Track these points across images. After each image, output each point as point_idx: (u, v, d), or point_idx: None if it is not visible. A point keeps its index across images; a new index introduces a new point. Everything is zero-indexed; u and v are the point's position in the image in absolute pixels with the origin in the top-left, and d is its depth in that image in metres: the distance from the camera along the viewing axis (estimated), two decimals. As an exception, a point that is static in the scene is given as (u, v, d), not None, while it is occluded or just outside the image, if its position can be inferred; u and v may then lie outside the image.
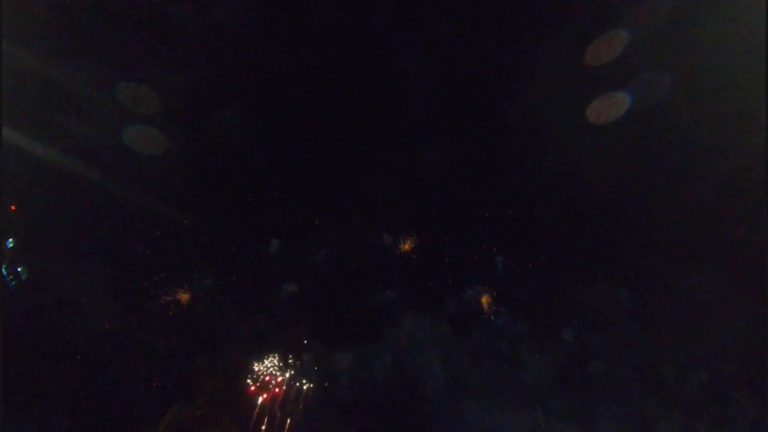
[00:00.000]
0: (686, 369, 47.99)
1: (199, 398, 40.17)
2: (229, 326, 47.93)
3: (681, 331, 48.46)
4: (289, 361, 48.06)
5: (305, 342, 49.62)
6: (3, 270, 42.23)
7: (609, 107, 45.82)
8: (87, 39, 41.77)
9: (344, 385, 48.72)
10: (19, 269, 43.62)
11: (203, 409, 39.55)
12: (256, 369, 46.12)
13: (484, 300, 52.32)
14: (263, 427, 43.48)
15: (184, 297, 45.31)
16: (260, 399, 44.76)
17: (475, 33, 49.46)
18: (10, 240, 42.89)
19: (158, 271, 47.61)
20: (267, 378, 46.24)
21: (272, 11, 47.84)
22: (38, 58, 38.85)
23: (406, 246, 54.17)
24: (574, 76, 46.59)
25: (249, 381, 45.28)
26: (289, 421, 45.82)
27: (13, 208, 42.98)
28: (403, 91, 53.44)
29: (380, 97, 54.10)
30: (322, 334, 50.45)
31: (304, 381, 47.93)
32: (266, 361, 47.02)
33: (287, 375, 47.35)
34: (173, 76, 46.08)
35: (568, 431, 46.80)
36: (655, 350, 49.16)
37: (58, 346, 43.01)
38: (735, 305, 46.32)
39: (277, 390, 46.09)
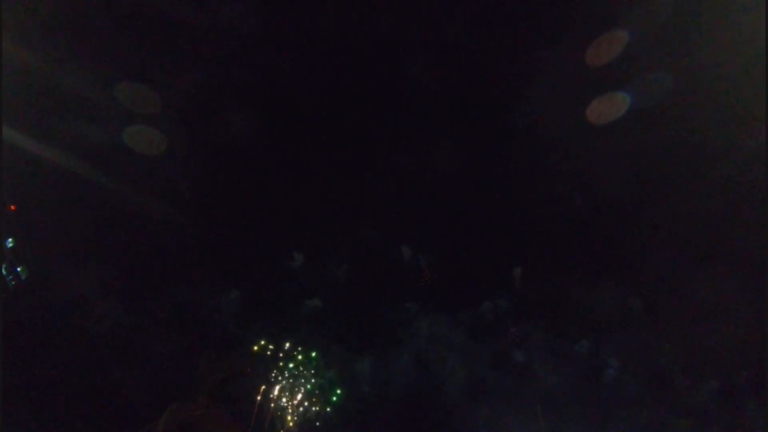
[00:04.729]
0: (698, 376, 48.05)
1: (200, 396, 40.18)
2: (234, 327, 48.18)
3: (693, 338, 48.50)
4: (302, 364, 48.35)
5: (322, 345, 50.05)
6: (3, 270, 42.21)
7: (613, 108, 45.76)
8: (87, 39, 41.73)
9: (361, 389, 49.17)
10: (19, 269, 43.62)
11: (203, 407, 39.53)
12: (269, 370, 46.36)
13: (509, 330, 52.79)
14: (266, 426, 43.58)
15: None
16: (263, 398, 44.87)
17: (481, 37, 49.38)
18: (10, 240, 42.87)
19: (160, 271, 47.72)
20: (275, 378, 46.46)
21: (278, 13, 47.80)
22: (39, 58, 38.79)
23: (425, 277, 54.89)
24: (584, 79, 46.50)
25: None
26: (290, 420, 45.98)
27: (12, 208, 42.95)
28: (417, 104, 53.86)
29: (396, 112, 54.59)
30: (340, 339, 51.10)
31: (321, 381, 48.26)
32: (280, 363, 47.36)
33: (299, 375, 47.61)
34: (189, 80, 46.22)
35: None
36: (668, 358, 49.26)
37: (59, 345, 43.05)
38: (745, 312, 46.29)
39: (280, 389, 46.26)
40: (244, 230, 53.56)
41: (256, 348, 46.80)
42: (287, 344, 48.12)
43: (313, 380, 47.81)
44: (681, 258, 50.67)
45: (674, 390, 48.65)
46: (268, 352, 47.25)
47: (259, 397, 44.42)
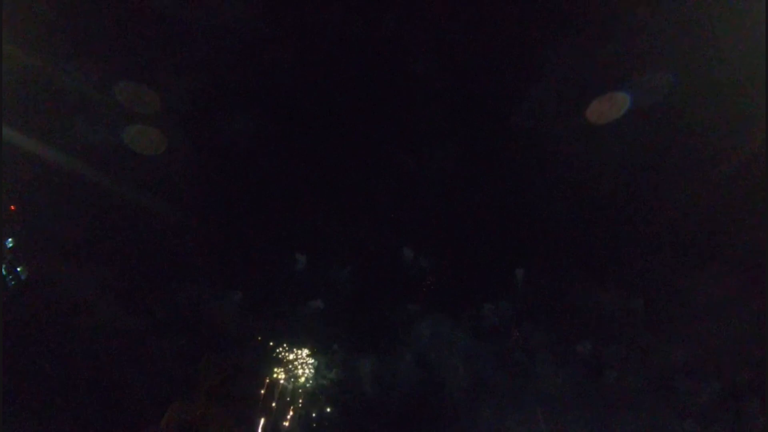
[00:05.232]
0: (700, 377, 47.95)
1: (200, 396, 40.17)
2: (236, 328, 48.15)
3: (694, 339, 48.40)
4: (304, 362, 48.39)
5: (323, 346, 50.11)
6: (3, 270, 42.15)
7: (613, 108, 45.77)
8: (88, 40, 41.74)
9: (363, 389, 49.21)
10: (18, 269, 43.54)
11: (204, 407, 39.53)
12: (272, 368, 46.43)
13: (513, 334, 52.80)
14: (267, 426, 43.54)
15: None
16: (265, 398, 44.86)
17: (483, 37, 49.31)
18: (10, 240, 42.81)
19: (160, 271, 47.67)
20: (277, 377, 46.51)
21: (279, 13, 47.81)
22: (39, 58, 38.78)
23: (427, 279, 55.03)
24: (584, 79, 46.48)
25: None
26: (289, 420, 45.92)
27: (12, 208, 42.90)
28: (418, 106, 53.85)
29: (397, 114, 54.56)
30: (342, 340, 51.21)
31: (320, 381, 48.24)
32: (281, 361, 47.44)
33: (300, 375, 47.61)
34: (189, 80, 46.21)
35: None
36: (669, 359, 49.18)
37: (59, 345, 42.97)
38: (746, 312, 46.18)
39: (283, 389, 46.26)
40: (246, 231, 53.54)
41: (257, 348, 46.84)
42: (289, 345, 48.16)
43: (314, 380, 47.80)
44: (682, 258, 50.69)
45: (675, 391, 48.62)
46: (270, 352, 47.29)
47: (260, 397, 44.39)
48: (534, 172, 54.07)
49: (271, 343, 47.99)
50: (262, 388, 45.09)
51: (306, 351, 48.46)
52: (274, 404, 45.13)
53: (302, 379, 47.40)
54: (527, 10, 47.67)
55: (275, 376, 46.39)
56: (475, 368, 50.69)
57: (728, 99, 42.93)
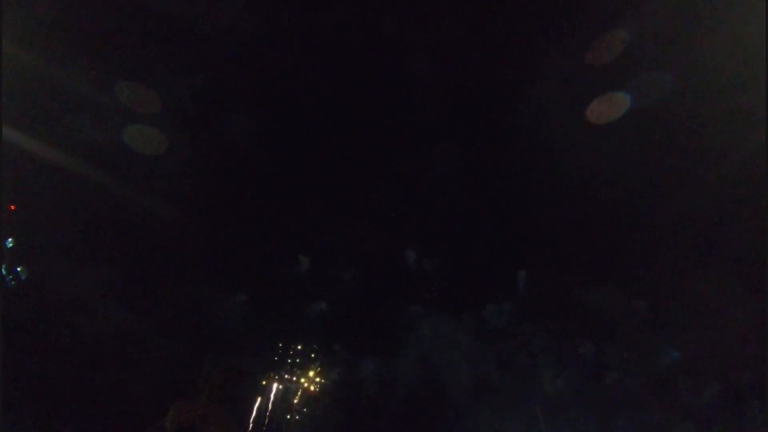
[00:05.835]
0: (701, 378, 47.99)
1: (202, 396, 40.05)
2: (238, 329, 48.12)
3: (695, 340, 48.41)
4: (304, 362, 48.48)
5: (325, 347, 50.14)
6: (3, 270, 41.96)
7: (613, 108, 45.82)
8: (88, 38, 41.65)
9: (364, 390, 49.21)
10: (18, 269, 43.36)
11: (206, 407, 39.42)
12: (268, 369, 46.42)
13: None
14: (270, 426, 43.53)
15: None
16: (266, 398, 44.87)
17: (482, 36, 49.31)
18: (10, 240, 42.64)
19: (162, 272, 47.59)
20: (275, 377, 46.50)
21: (280, 13, 47.78)
22: (39, 57, 38.67)
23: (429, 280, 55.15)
24: (584, 79, 46.53)
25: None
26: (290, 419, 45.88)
27: (12, 208, 42.75)
28: (419, 107, 53.87)
29: (399, 115, 54.67)
30: (343, 341, 51.22)
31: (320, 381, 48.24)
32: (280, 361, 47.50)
33: (302, 376, 47.63)
34: (189, 79, 46.15)
35: None
36: (670, 360, 49.21)
37: (59, 345, 42.83)
38: (747, 312, 46.17)
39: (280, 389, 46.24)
40: (249, 232, 53.50)
41: (260, 349, 46.86)
42: (290, 345, 48.19)
43: (316, 381, 47.81)
44: (683, 259, 50.79)
45: (676, 392, 48.67)
46: (272, 353, 47.32)
47: (262, 398, 44.39)
48: (535, 173, 54.24)
49: (274, 344, 48.07)
50: (264, 388, 45.11)
51: (308, 352, 48.52)
52: (276, 405, 45.12)
53: (304, 380, 47.39)
54: (527, 9, 47.77)
55: (277, 377, 46.41)
56: (477, 369, 50.78)
57: (728, 99, 43.01)
